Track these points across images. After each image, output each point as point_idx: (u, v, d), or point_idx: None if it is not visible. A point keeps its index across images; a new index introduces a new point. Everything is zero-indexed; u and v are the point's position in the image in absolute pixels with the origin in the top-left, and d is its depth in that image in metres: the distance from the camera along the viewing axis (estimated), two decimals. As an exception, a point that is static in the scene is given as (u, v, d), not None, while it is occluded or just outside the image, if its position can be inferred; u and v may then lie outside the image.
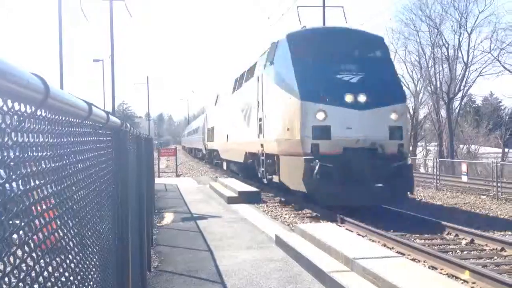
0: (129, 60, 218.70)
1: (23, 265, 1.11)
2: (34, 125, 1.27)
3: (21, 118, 1.16)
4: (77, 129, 1.88)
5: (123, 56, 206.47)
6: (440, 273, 6.72)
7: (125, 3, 26.79)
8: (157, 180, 19.42)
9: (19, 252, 1.11)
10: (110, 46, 24.04)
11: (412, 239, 8.94)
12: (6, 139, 1.07)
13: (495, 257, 7.78)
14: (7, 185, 1.07)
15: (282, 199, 15.11)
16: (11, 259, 1.04)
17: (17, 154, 1.15)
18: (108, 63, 25.96)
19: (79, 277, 1.76)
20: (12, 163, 1.08)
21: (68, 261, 1.58)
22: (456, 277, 6.67)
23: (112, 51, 24.25)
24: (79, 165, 1.91)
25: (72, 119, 1.73)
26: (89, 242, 2.02)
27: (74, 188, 1.77)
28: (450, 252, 8.08)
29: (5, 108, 1.06)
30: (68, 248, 1.60)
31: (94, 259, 2.13)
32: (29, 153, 1.23)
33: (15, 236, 1.09)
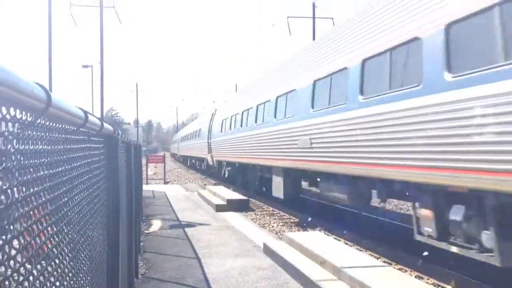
0: (118, 66, 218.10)
1: (22, 269, 1.14)
2: (34, 132, 1.30)
3: (23, 126, 1.19)
4: (72, 136, 1.91)
5: (112, 62, 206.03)
6: (427, 282, 6.79)
7: (115, 10, 26.85)
8: (145, 187, 19.35)
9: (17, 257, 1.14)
10: (100, 52, 24.00)
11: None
12: (8, 146, 1.10)
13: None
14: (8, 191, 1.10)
15: (270, 208, 15.13)
16: (12, 263, 1.07)
17: (18, 161, 1.18)
18: (97, 69, 25.90)
19: (72, 282, 1.78)
20: (14, 170, 1.12)
21: (62, 266, 1.60)
22: (442, 287, 6.75)
23: (101, 57, 24.20)
24: (73, 172, 1.94)
25: (68, 127, 1.76)
26: (81, 248, 2.04)
27: (69, 194, 1.80)
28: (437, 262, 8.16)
29: (8, 116, 1.09)
30: (63, 253, 1.63)
31: (86, 265, 2.15)
32: (29, 160, 1.26)
33: (15, 241, 1.12)
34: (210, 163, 26.18)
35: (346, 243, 9.27)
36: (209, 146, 25.33)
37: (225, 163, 22.09)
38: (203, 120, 31.47)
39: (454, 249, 6.22)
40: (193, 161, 38.11)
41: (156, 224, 11.80)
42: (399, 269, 7.42)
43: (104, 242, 2.91)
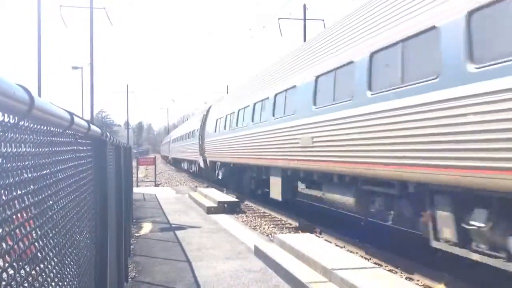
0: (109, 68, 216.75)
1: (4, 274, 1.12)
2: (17, 135, 1.28)
3: (5, 129, 1.16)
4: (58, 139, 1.88)
5: (102, 64, 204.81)
6: (416, 284, 6.82)
7: (105, 11, 26.74)
8: (135, 190, 19.24)
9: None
10: (90, 53, 23.83)
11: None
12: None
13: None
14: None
15: (262, 209, 15.12)
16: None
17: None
18: (87, 70, 25.72)
19: (57, 287, 1.75)
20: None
21: (47, 271, 1.58)
22: (432, 288, 6.78)
23: (91, 59, 24.03)
24: (59, 175, 1.91)
25: (54, 129, 1.74)
26: (68, 252, 2.01)
27: (54, 197, 1.77)
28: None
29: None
30: (48, 258, 1.60)
31: (73, 269, 2.12)
32: (12, 163, 1.23)
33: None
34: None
35: (337, 245, 9.28)
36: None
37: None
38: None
39: (475, 256, 5.76)
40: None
41: (146, 227, 11.73)
42: (389, 270, 7.44)
43: (92, 246, 2.88)
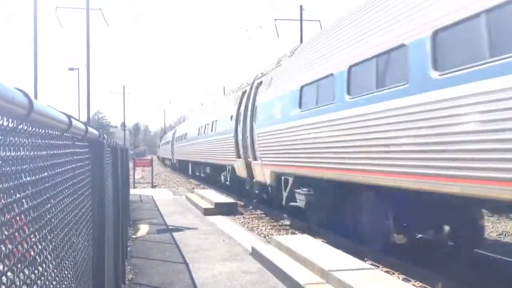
0: (105, 69, 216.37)
1: (3, 278, 1.12)
2: (16, 139, 1.28)
3: (4, 133, 1.17)
4: (56, 141, 1.88)
5: (99, 65, 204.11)
6: (414, 285, 6.83)
7: (102, 12, 26.70)
8: (132, 191, 19.20)
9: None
10: (86, 54, 23.78)
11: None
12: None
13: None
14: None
15: (259, 211, 15.12)
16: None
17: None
18: (84, 71, 25.69)
19: (56, 290, 1.76)
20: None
21: (46, 273, 1.58)
22: (429, 289, 6.79)
23: (88, 60, 23.98)
24: (57, 177, 1.92)
25: (52, 132, 1.74)
26: (66, 255, 2.01)
27: (52, 200, 1.78)
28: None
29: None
30: (46, 260, 1.61)
31: (71, 272, 2.12)
32: (11, 167, 1.24)
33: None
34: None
35: (334, 246, 9.28)
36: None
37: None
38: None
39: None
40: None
41: (143, 229, 11.71)
42: (386, 271, 7.46)
43: (89, 248, 2.88)
